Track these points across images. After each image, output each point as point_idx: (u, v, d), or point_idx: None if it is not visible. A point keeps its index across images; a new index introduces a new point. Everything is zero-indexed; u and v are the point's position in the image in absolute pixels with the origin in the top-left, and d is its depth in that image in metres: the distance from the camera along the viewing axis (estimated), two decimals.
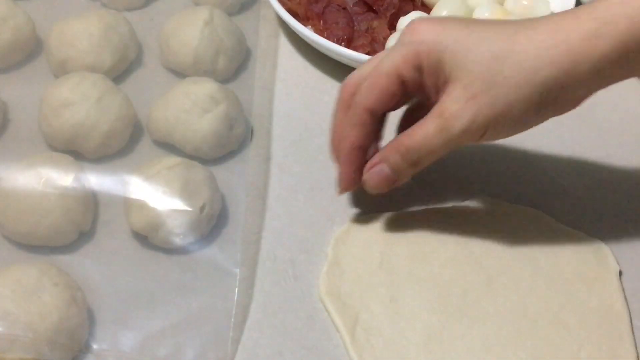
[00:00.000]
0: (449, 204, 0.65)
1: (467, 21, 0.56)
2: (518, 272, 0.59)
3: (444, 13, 0.76)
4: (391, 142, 0.57)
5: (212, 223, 0.61)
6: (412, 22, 0.55)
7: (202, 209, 0.60)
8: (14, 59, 0.73)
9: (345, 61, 0.74)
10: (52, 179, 0.59)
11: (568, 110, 0.54)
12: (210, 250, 0.60)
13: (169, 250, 0.60)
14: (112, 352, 0.54)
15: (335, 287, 0.58)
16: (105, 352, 0.54)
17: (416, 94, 0.56)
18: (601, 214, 0.66)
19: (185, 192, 0.60)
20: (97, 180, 0.63)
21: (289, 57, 0.79)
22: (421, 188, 0.65)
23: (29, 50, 0.74)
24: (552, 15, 0.54)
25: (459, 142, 0.53)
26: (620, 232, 0.64)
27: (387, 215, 0.63)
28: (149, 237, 0.60)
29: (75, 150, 0.65)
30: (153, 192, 0.59)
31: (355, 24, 0.77)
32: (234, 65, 0.74)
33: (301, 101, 0.74)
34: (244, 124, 0.69)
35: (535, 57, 0.50)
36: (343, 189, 0.61)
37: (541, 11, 0.78)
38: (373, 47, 0.75)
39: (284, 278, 0.60)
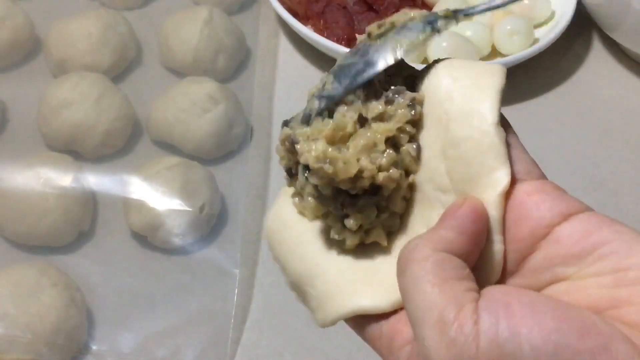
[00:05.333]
0: None
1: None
2: None
3: None
4: None
5: (211, 223, 0.61)
6: None
7: (201, 209, 0.60)
8: (13, 58, 0.73)
9: None
10: (51, 179, 0.59)
11: None
12: (210, 250, 0.60)
13: (169, 250, 0.60)
14: (111, 353, 0.54)
15: None
16: (104, 353, 0.54)
17: None
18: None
19: (185, 192, 0.59)
20: (96, 180, 0.63)
21: (289, 57, 0.78)
22: None
23: (27, 50, 0.74)
24: None
25: None
26: None
27: None
28: (149, 237, 0.60)
29: (75, 150, 0.65)
30: (152, 192, 0.59)
31: (356, 23, 0.76)
32: (233, 65, 0.74)
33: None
34: (244, 124, 0.68)
35: None
36: None
37: (542, 10, 0.78)
38: None
39: (284, 278, 0.59)
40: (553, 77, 0.77)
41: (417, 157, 0.34)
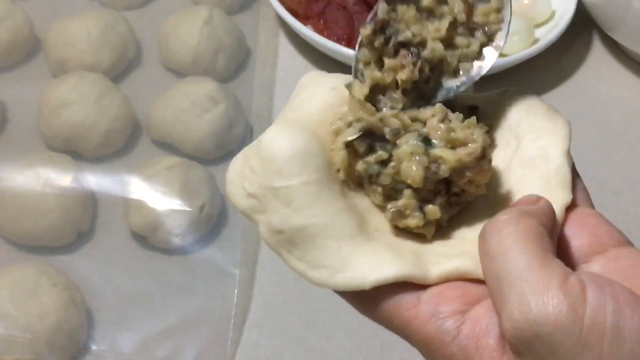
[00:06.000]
0: None
1: None
2: None
3: None
4: None
5: (211, 223, 0.61)
6: None
7: (201, 209, 0.60)
8: (13, 58, 0.73)
9: (345, 60, 0.74)
10: (50, 179, 0.59)
11: None
12: (210, 250, 0.60)
13: (168, 250, 0.60)
14: (111, 353, 0.54)
15: None
16: (104, 353, 0.54)
17: None
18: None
19: (185, 192, 0.59)
20: (96, 180, 0.63)
21: (289, 57, 0.78)
22: None
23: (27, 50, 0.74)
24: None
25: None
26: None
27: None
28: (148, 237, 0.60)
29: (74, 150, 0.65)
30: (152, 192, 0.59)
31: (356, 23, 0.76)
32: (233, 65, 0.74)
33: None
34: (244, 124, 0.68)
35: None
36: None
37: (542, 10, 0.78)
38: None
39: (284, 278, 0.59)
40: (553, 77, 0.77)
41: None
